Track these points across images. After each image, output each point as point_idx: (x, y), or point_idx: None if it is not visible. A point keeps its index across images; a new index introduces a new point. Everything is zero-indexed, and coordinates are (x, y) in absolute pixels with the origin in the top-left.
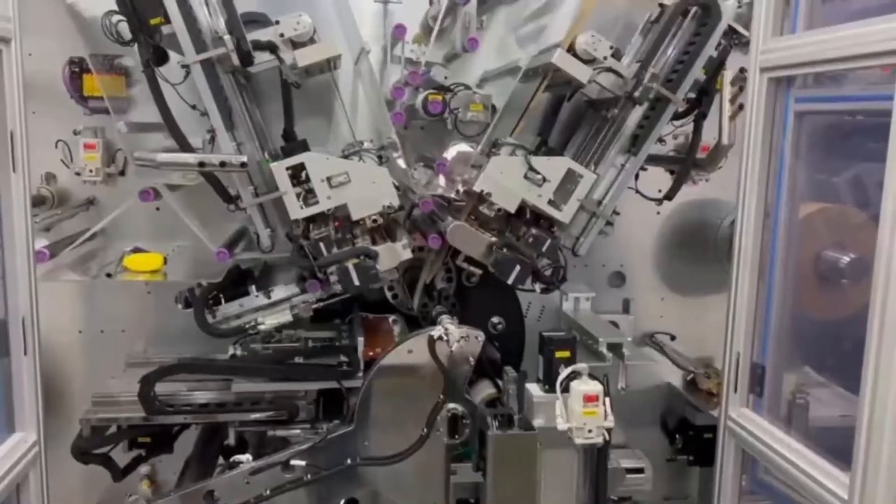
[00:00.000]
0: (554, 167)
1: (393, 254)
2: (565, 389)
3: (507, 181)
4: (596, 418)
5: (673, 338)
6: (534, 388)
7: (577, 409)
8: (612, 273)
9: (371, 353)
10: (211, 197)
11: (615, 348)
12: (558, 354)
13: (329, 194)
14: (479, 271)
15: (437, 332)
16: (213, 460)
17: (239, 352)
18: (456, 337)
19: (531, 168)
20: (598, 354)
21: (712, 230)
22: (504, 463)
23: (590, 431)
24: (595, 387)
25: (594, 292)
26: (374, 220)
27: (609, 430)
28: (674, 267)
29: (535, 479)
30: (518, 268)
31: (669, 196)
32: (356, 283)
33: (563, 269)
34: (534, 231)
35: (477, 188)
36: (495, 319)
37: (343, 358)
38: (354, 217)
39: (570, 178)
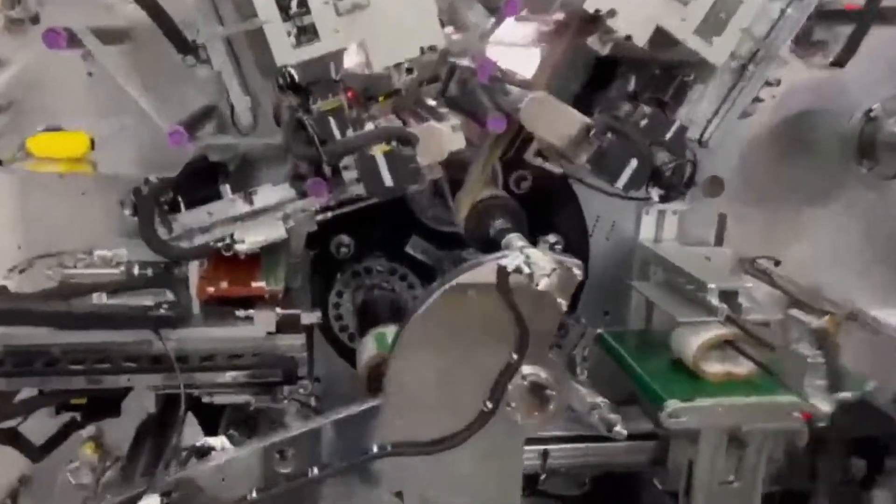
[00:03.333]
0: None
1: (440, 139)
2: None
3: None
4: None
5: (777, 263)
6: None
7: None
8: (707, 179)
9: (211, 290)
10: (164, 60)
11: (730, 298)
12: None
13: (336, 26)
14: (558, 171)
15: (511, 259)
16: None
17: (12, 284)
18: (544, 269)
19: None
20: (703, 305)
21: (838, 123)
22: None
23: None
24: None
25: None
26: (409, 71)
27: None
28: (782, 171)
29: None
30: (635, 162)
31: (842, 61)
32: (388, 181)
33: (695, 166)
34: (648, 110)
35: (589, 6)
36: (552, 239)
37: (168, 297)
38: (376, 66)
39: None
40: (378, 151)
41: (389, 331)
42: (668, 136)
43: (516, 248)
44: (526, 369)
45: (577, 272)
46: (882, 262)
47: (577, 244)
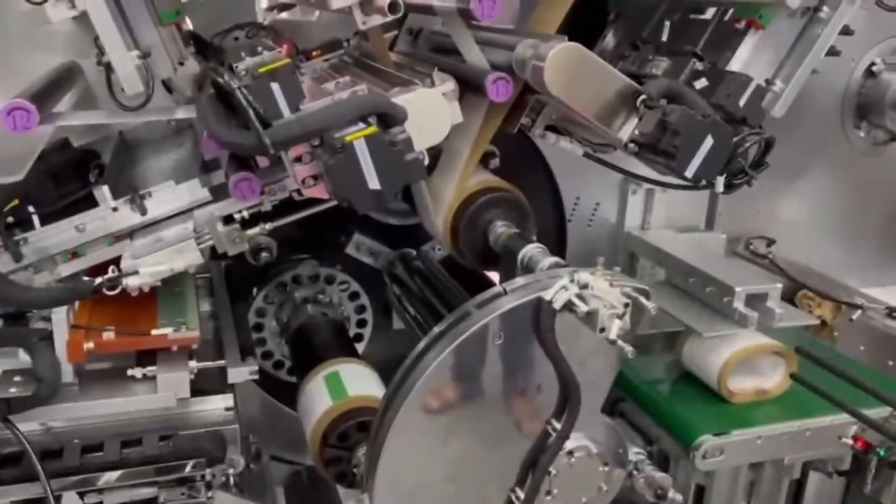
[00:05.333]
0: None
1: (434, 111)
2: None
3: None
4: None
5: (771, 242)
6: None
7: None
8: None
9: (90, 347)
10: None
11: (758, 303)
12: None
13: None
14: (581, 150)
15: (556, 290)
16: None
17: None
18: (614, 307)
19: None
20: (726, 313)
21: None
22: None
23: None
24: None
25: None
26: (393, 8)
27: None
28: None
29: None
30: (710, 141)
31: None
32: (373, 182)
33: (770, 143)
34: (701, 66)
35: None
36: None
37: (21, 361)
38: (335, 1)
39: None
40: (354, 136)
41: (344, 368)
42: (744, 100)
43: (561, 274)
44: (572, 442)
45: (651, 307)
46: (876, 237)
47: (553, 231)
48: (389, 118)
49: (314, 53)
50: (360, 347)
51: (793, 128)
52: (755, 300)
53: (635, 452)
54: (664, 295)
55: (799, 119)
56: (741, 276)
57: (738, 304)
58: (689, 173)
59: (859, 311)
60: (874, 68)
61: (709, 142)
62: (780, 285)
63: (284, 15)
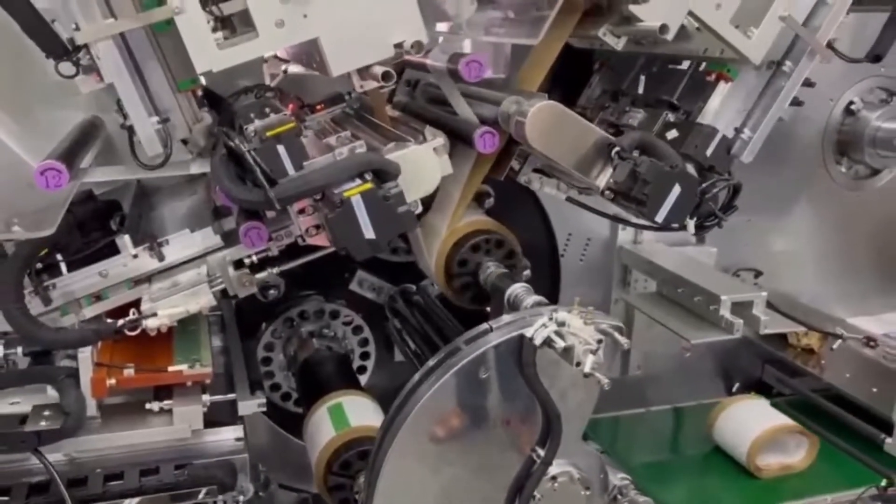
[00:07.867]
0: None
1: (424, 166)
2: None
3: None
4: None
5: (759, 274)
6: None
7: None
8: None
9: (112, 383)
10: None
11: (743, 311)
12: None
13: (281, 15)
14: (562, 196)
15: (537, 328)
16: None
17: None
18: (588, 343)
19: None
20: (713, 321)
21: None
22: None
23: None
24: None
25: None
26: (386, 77)
27: None
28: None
29: None
30: (678, 189)
31: (879, 55)
32: (368, 233)
33: (737, 189)
34: (673, 117)
35: None
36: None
37: (50, 396)
38: (335, 71)
39: None
40: (352, 192)
41: (347, 400)
42: (710, 150)
43: (542, 312)
44: (555, 468)
45: (624, 342)
46: (859, 268)
47: (545, 266)
48: (384, 174)
49: (318, 107)
50: (363, 379)
51: (777, 164)
52: (740, 308)
53: (620, 478)
54: (655, 305)
55: (783, 156)
56: (727, 286)
57: (725, 312)
58: (658, 218)
59: (839, 341)
60: (853, 107)
61: (676, 190)
62: (765, 293)
63: (292, 68)
